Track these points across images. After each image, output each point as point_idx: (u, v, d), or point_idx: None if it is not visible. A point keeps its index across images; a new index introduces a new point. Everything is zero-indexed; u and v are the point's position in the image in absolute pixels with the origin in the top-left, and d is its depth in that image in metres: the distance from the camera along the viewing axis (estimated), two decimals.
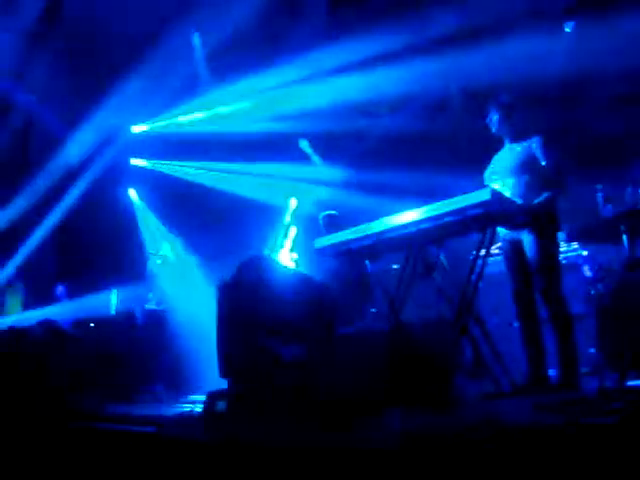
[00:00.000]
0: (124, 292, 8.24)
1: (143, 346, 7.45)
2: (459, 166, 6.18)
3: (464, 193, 3.64)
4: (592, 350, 4.91)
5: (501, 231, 4.34)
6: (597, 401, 2.84)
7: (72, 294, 8.58)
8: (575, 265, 5.47)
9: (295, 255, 7.63)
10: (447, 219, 3.73)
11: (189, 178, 9.82)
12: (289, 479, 2.35)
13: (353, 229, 4.20)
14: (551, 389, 3.94)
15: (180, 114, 9.35)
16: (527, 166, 4.23)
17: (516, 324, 4.43)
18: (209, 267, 8.50)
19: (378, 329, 4.09)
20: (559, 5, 7.07)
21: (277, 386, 3.27)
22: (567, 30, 7.26)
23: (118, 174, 9.94)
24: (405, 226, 3.92)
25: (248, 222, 9.04)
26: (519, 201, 4.07)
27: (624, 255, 5.05)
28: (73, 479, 3.07)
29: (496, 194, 3.65)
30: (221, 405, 3.51)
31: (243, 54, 8.30)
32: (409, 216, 3.87)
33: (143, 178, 10.18)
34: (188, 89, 9.16)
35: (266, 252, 8.23)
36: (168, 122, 9.48)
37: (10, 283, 8.64)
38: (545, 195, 4.11)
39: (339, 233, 4.32)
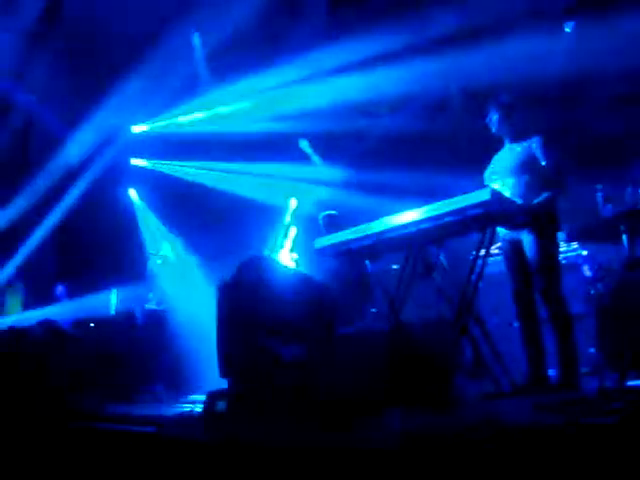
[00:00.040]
0: (124, 292, 8.24)
1: (143, 346, 7.45)
2: (459, 166, 6.18)
3: (464, 193, 3.65)
4: (592, 350, 4.91)
5: (501, 231, 4.34)
6: (597, 401, 2.84)
7: (72, 294, 8.58)
8: (575, 265, 5.47)
9: (295, 255, 7.63)
10: (447, 219, 3.73)
11: (189, 178, 9.82)
12: (289, 479, 2.35)
13: (353, 229, 4.20)
14: (551, 389, 3.94)
15: (180, 114, 9.35)
16: (527, 166, 4.23)
17: (516, 324, 4.43)
18: (209, 267, 8.50)
19: (378, 329, 4.09)
20: (559, 5, 7.07)
21: (277, 386, 3.27)
22: (567, 30, 7.27)
23: (118, 174, 9.94)
24: (405, 226, 3.92)
25: (248, 222, 9.04)
26: (519, 201, 4.07)
27: (624, 255, 5.05)
28: (73, 479, 3.07)
29: (496, 194, 3.65)
30: (221, 405, 3.51)
31: (243, 54, 8.31)
32: (409, 216, 3.87)
33: (143, 178, 10.18)
34: (188, 89, 9.16)
35: (266, 252, 8.23)
36: (168, 122, 9.49)
37: (10, 283, 8.64)
38: (545, 195, 4.11)
39: (339, 233, 4.32)
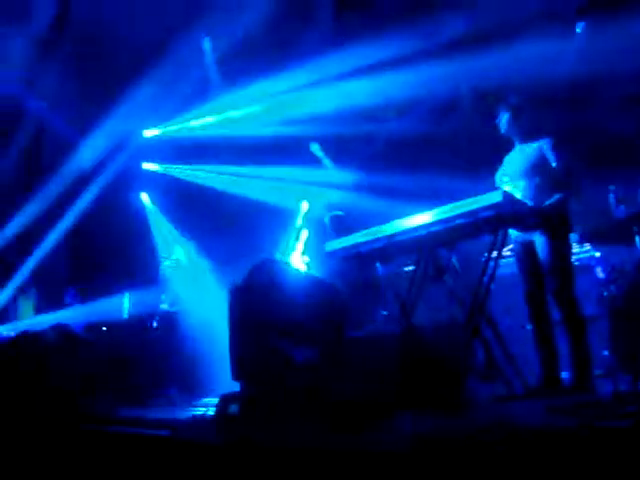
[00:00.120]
0: (136, 296, 8.27)
1: (156, 349, 7.48)
2: (469, 168, 6.16)
3: (475, 195, 3.64)
4: (605, 352, 4.88)
5: (513, 233, 4.32)
6: (611, 404, 2.82)
7: (84, 298, 8.62)
8: (588, 266, 5.43)
9: (307, 258, 7.63)
10: (458, 221, 3.73)
11: (201, 182, 9.84)
12: None
13: (364, 232, 4.20)
14: (564, 392, 3.92)
15: (191, 118, 9.38)
16: (538, 168, 4.22)
17: (529, 326, 4.41)
18: (221, 270, 8.51)
19: (389, 332, 4.09)
20: (571, 6, 7.04)
21: (289, 388, 3.28)
22: (578, 31, 7.23)
23: (130, 178, 9.98)
24: (416, 229, 3.92)
25: (260, 225, 9.05)
26: (530, 203, 4.06)
27: (637, 256, 5.02)
28: None
29: (507, 196, 3.64)
30: (234, 408, 3.52)
31: (253, 59, 8.33)
32: (420, 219, 3.87)
33: (155, 182, 10.22)
34: (199, 93, 9.20)
35: (278, 255, 8.23)
36: (179, 126, 9.52)
37: (23, 288, 8.69)
38: (556, 197, 4.10)
39: (350, 236, 4.32)
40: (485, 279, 3.81)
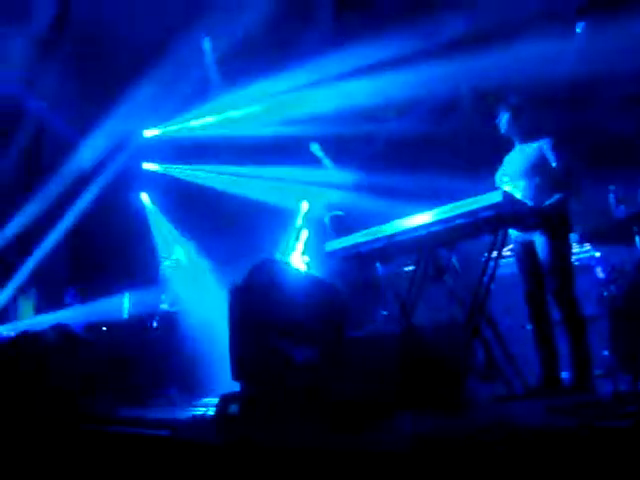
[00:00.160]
0: (136, 296, 8.27)
1: (156, 349, 7.48)
2: (470, 168, 6.16)
3: (475, 195, 3.64)
4: (605, 352, 4.88)
5: (513, 233, 4.32)
6: (611, 404, 2.82)
7: (84, 298, 8.62)
8: (588, 266, 5.43)
9: (307, 258, 7.63)
10: (458, 221, 3.73)
11: (201, 182, 9.84)
12: None
13: (364, 232, 4.20)
14: (564, 392, 3.92)
15: (191, 118, 9.39)
16: (538, 168, 4.22)
17: (529, 326, 4.41)
18: (221, 270, 8.51)
19: (389, 332, 4.09)
20: (571, 6, 7.04)
21: (289, 388, 3.28)
22: (578, 31, 7.24)
23: (130, 178, 9.98)
24: (416, 229, 3.92)
25: (260, 225, 9.04)
26: (530, 203, 4.06)
27: (637, 256, 5.02)
28: None
29: (507, 196, 3.65)
30: (234, 408, 3.52)
31: (253, 59, 8.33)
32: (420, 219, 3.87)
33: (155, 182, 10.22)
34: (199, 93, 9.20)
35: (278, 255, 8.23)
36: (179, 126, 9.52)
37: (23, 288, 8.69)
38: (556, 197, 4.10)
39: (350, 236, 4.32)
40: (485, 279, 3.81)
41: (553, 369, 4.10)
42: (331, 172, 8.59)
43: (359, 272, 6.13)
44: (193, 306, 7.89)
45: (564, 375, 4.16)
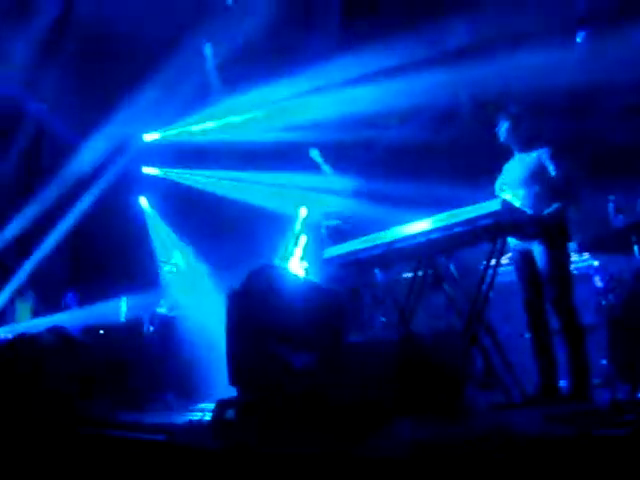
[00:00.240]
0: (134, 300, 8.26)
1: (153, 354, 7.47)
2: (469, 176, 6.18)
3: (474, 203, 3.65)
4: (603, 361, 4.88)
5: (511, 241, 4.33)
6: (609, 413, 2.82)
7: (82, 301, 8.61)
8: (586, 275, 5.43)
9: (305, 264, 7.64)
10: (457, 229, 3.73)
11: (200, 186, 9.84)
12: None
13: (363, 238, 4.21)
14: (562, 400, 3.92)
15: (191, 123, 9.40)
16: (537, 177, 4.23)
17: (527, 334, 4.41)
18: (220, 275, 8.51)
19: (388, 338, 4.09)
20: (571, 15, 7.07)
21: (287, 394, 3.27)
22: (578, 40, 7.27)
23: (129, 182, 9.98)
24: (415, 236, 3.93)
25: (259, 231, 9.05)
26: (529, 212, 4.06)
27: (635, 265, 5.03)
28: None
29: (506, 204, 3.65)
30: (230, 413, 3.51)
31: (254, 64, 8.36)
32: (419, 226, 3.87)
33: (154, 186, 10.22)
34: (199, 98, 9.21)
35: (276, 261, 8.24)
36: (179, 131, 9.53)
37: (20, 291, 8.67)
38: (555, 206, 4.10)
39: (348, 243, 4.32)
40: (484, 287, 3.81)
41: (551, 377, 4.10)
42: (330, 178, 8.60)
43: (357, 278, 6.14)
44: (191, 311, 7.88)
45: (562, 384, 4.16)
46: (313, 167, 8.60)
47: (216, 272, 8.76)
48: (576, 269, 5.40)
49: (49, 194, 9.18)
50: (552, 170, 4.21)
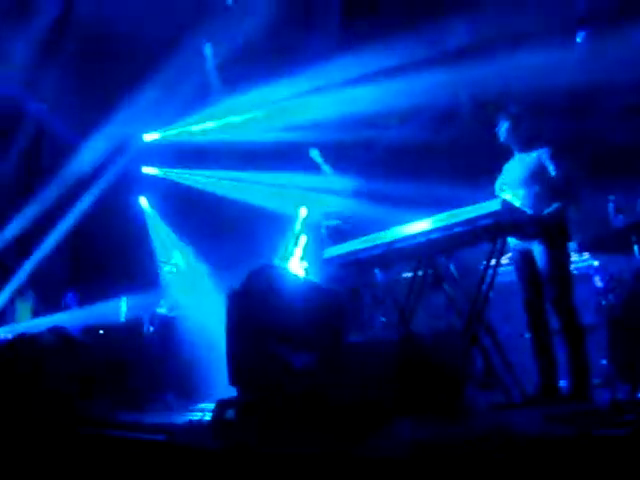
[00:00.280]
0: (134, 300, 8.26)
1: (153, 354, 7.47)
2: (469, 176, 6.18)
3: (475, 203, 3.65)
4: (603, 361, 4.88)
5: (511, 241, 4.33)
6: (609, 413, 2.82)
7: (82, 301, 8.61)
8: (586, 275, 5.43)
9: (305, 264, 7.64)
10: (457, 229, 3.73)
11: (200, 186, 9.84)
12: None
13: (363, 238, 4.21)
14: (562, 400, 3.92)
15: (191, 123, 9.40)
16: (537, 177, 4.23)
17: (527, 334, 4.41)
18: (219, 275, 8.51)
19: (388, 338, 4.09)
20: (571, 15, 7.07)
21: (287, 394, 3.27)
22: (578, 40, 7.27)
23: (129, 182, 9.98)
24: (415, 236, 3.92)
25: (259, 231, 9.05)
26: (529, 212, 4.06)
27: (635, 265, 5.03)
28: None
29: (506, 204, 3.66)
30: (230, 413, 3.51)
31: (254, 64, 8.36)
32: (419, 226, 3.87)
33: (154, 186, 10.22)
34: (199, 98, 9.22)
35: (276, 261, 8.24)
36: (179, 131, 9.53)
37: (20, 291, 8.67)
38: (555, 206, 4.10)
39: (349, 242, 4.32)
40: (484, 287, 3.81)
41: (551, 377, 4.10)
42: (330, 178, 8.60)
43: (358, 278, 6.14)
44: (191, 311, 7.88)
45: (562, 384, 4.16)
46: (313, 167, 8.60)
47: (216, 272, 8.76)
48: (576, 269, 5.40)
49: (49, 194, 9.18)
50: (552, 170, 4.21)
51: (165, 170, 10.15)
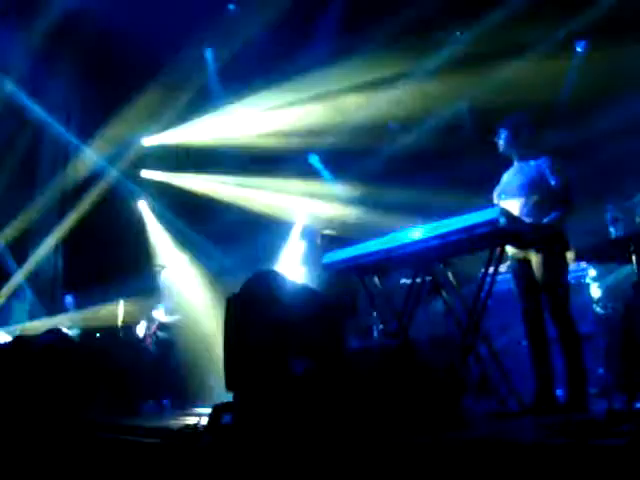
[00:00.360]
0: (132, 303, 8.26)
1: (150, 358, 7.47)
2: (468, 185, 6.19)
3: (473, 211, 3.66)
4: (601, 371, 4.89)
5: (510, 250, 4.33)
6: (605, 422, 2.81)
7: (80, 304, 8.60)
8: (583, 285, 5.45)
9: (304, 270, 7.64)
10: (456, 237, 3.74)
11: (199, 191, 9.85)
12: None
13: (361, 245, 4.21)
14: (559, 409, 3.91)
15: (191, 128, 9.41)
16: (536, 186, 4.23)
17: (525, 343, 4.41)
18: (219, 281, 8.52)
19: (385, 345, 4.09)
20: (572, 26, 7.09)
21: (285, 400, 3.27)
22: (579, 50, 7.31)
23: (129, 186, 9.99)
24: (413, 243, 3.93)
25: (258, 236, 9.06)
26: (528, 220, 4.07)
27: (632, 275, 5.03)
28: None
29: (505, 213, 3.66)
30: (227, 418, 3.51)
31: (255, 70, 8.38)
32: (417, 233, 3.88)
33: (153, 190, 10.23)
34: (200, 103, 9.23)
35: (275, 266, 8.24)
36: (180, 135, 9.54)
37: (17, 292, 8.67)
38: (554, 215, 4.11)
39: (346, 249, 4.33)
40: (482, 295, 3.82)
41: (548, 386, 4.09)
42: (329, 184, 8.62)
43: (356, 285, 6.13)
44: (189, 315, 7.88)
45: (559, 393, 4.16)
46: (312, 173, 8.62)
47: (215, 277, 8.76)
48: (574, 278, 5.42)
49: (48, 197, 9.18)
50: (552, 179, 4.22)
51: (164, 174, 10.15)
